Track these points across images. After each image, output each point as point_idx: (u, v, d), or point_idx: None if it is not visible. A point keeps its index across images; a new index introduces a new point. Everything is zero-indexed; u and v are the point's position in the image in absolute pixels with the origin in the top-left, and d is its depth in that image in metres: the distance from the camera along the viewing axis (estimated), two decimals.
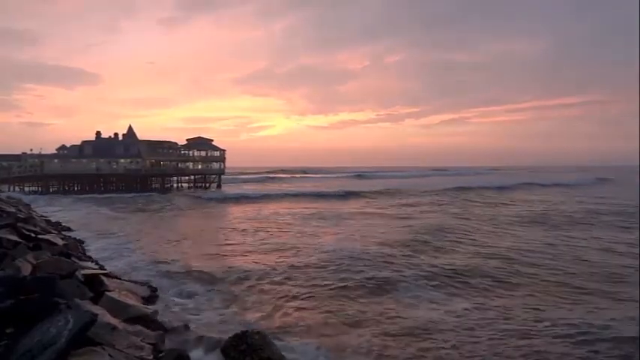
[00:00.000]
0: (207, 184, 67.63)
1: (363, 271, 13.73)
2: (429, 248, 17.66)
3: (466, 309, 10.23)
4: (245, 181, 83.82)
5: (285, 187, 65.85)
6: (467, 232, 22.18)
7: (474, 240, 19.89)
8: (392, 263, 14.90)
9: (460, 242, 19.22)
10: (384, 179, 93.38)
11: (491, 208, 34.87)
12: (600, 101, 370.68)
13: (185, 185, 67.41)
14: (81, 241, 18.84)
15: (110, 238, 20.65)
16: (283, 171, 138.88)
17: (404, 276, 13.14)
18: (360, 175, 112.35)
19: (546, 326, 9.08)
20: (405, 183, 71.29)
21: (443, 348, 8.10)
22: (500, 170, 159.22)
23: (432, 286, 12.28)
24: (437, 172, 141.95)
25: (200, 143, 68.33)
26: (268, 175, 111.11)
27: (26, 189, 56.45)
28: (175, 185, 66.65)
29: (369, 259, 15.23)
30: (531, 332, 8.81)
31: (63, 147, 63.64)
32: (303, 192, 53.84)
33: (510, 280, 13.04)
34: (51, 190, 55.95)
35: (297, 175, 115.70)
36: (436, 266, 14.44)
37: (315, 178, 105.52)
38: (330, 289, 11.95)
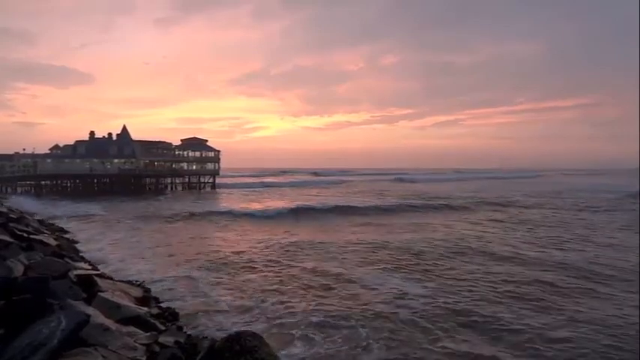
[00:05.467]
0: (202, 185, 67.45)
1: None
2: None
3: None
4: (276, 186, 72.66)
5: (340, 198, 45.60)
6: None
7: None
8: None
9: None
10: (438, 183, 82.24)
11: None
12: (594, 104, 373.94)
13: (179, 188, 67.07)
14: (74, 242, 18.72)
15: (103, 238, 20.52)
16: (285, 172, 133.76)
17: None
18: (400, 179, 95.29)
19: None
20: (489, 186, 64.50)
21: None
22: (524, 173, 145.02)
23: None
24: (459, 174, 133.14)
25: (195, 144, 68.23)
26: (294, 178, 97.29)
27: (19, 189, 55.98)
28: (169, 186, 66.36)
29: None
30: None
31: (56, 147, 63.35)
32: (411, 203, 37.86)
33: None
34: (44, 190, 55.52)
35: (316, 178, 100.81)
36: None
37: (345, 181, 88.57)
38: None
